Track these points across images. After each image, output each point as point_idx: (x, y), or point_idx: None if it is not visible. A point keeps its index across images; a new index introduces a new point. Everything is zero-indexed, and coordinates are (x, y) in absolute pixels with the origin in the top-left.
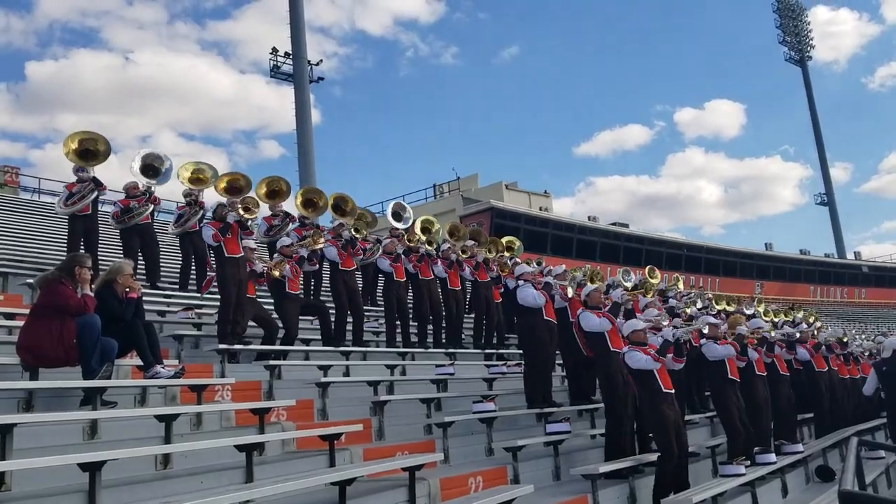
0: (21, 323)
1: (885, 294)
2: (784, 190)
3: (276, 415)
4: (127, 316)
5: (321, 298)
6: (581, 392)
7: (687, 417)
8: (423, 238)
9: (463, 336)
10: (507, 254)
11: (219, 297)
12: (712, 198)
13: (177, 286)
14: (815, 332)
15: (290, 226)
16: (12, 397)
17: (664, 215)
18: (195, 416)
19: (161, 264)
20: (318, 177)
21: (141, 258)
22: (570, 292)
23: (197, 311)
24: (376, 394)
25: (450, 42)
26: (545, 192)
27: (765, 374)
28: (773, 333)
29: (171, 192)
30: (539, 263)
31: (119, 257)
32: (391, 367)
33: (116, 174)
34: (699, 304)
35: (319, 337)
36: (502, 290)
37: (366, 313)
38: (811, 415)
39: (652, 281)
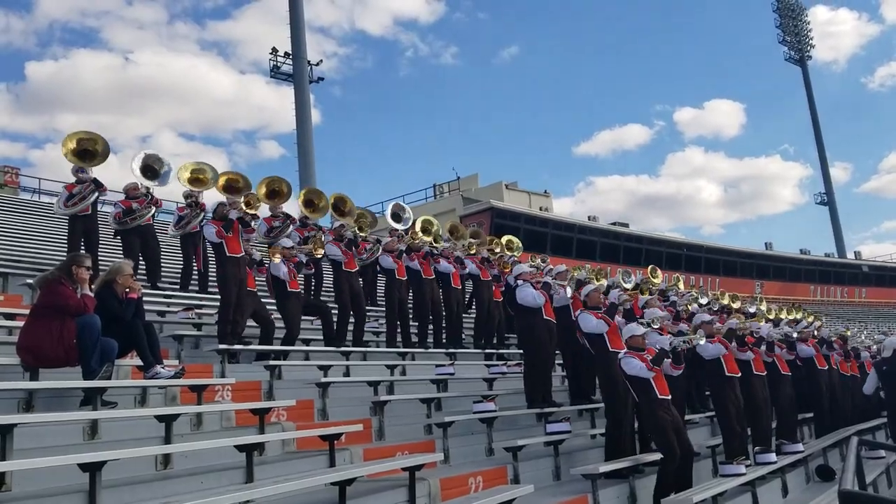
0: (21, 323)
1: (885, 293)
2: (784, 189)
3: (276, 415)
4: (127, 316)
5: (322, 299)
6: (581, 392)
7: (687, 417)
8: (427, 239)
9: (463, 336)
10: (508, 252)
11: (219, 297)
12: (712, 197)
13: (177, 286)
14: (816, 331)
15: (291, 227)
16: (12, 397)
17: (664, 215)
18: (195, 416)
19: (161, 264)
20: (318, 177)
21: (141, 258)
22: (568, 292)
23: (197, 311)
24: (376, 394)
25: (449, 42)
26: (545, 191)
27: (764, 373)
28: (772, 333)
29: (171, 192)
30: (544, 261)
31: (119, 257)
32: (391, 367)
33: (116, 174)
34: (703, 300)
35: (320, 337)
36: (503, 288)
37: (366, 314)
38: (811, 414)
39: (654, 281)
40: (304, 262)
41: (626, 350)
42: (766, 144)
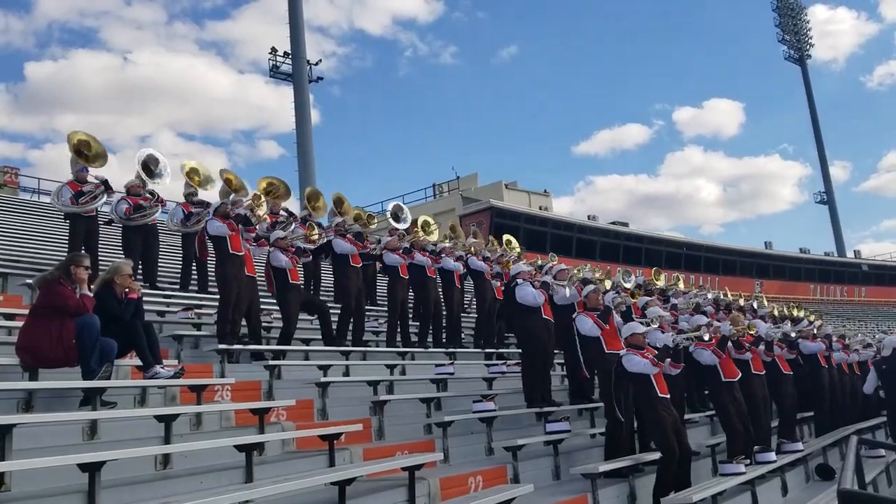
0: (20, 323)
1: (884, 292)
2: (783, 188)
3: (275, 415)
4: (126, 316)
5: (321, 298)
6: (581, 391)
7: (687, 417)
8: (431, 238)
9: (463, 336)
10: (509, 250)
11: (218, 297)
12: (711, 197)
13: (176, 286)
14: (816, 331)
15: (294, 224)
16: (12, 398)
17: (663, 214)
18: (195, 416)
19: (159, 264)
20: (318, 177)
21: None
22: (568, 291)
23: (196, 311)
24: (376, 393)
25: (449, 41)
26: (545, 191)
27: (763, 372)
28: (770, 332)
29: (170, 192)
30: (552, 261)
31: (119, 257)
32: (391, 367)
33: (116, 174)
34: (710, 295)
35: (319, 337)
36: (503, 287)
37: (366, 313)
38: (811, 413)
39: (657, 284)
40: (303, 249)
41: (626, 349)
42: (766, 143)
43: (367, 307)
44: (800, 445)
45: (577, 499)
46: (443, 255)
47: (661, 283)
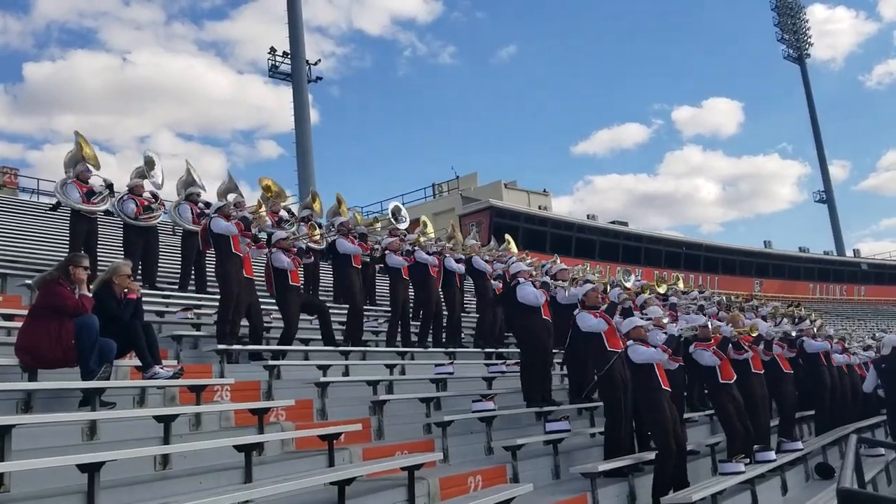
0: (20, 324)
1: (884, 291)
2: (782, 188)
3: (275, 415)
4: (125, 316)
5: (320, 298)
6: (581, 390)
7: (686, 416)
8: (433, 237)
9: (462, 335)
10: (511, 248)
11: (217, 297)
12: (710, 196)
13: (175, 287)
14: (816, 330)
15: (297, 224)
16: (11, 398)
17: (663, 213)
18: (194, 416)
19: (158, 265)
20: (317, 177)
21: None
22: (570, 291)
23: (196, 311)
24: (375, 393)
25: (448, 41)
26: (544, 190)
27: (762, 371)
28: (770, 331)
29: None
30: (554, 262)
31: (119, 257)
32: (390, 367)
33: (116, 174)
34: (714, 298)
35: (319, 337)
36: (503, 287)
37: (365, 313)
38: (811, 412)
39: (659, 290)
40: (305, 249)
41: (631, 340)
42: (765, 143)
43: (366, 307)
44: (799, 444)
45: (577, 498)
46: (445, 256)
47: (662, 290)
